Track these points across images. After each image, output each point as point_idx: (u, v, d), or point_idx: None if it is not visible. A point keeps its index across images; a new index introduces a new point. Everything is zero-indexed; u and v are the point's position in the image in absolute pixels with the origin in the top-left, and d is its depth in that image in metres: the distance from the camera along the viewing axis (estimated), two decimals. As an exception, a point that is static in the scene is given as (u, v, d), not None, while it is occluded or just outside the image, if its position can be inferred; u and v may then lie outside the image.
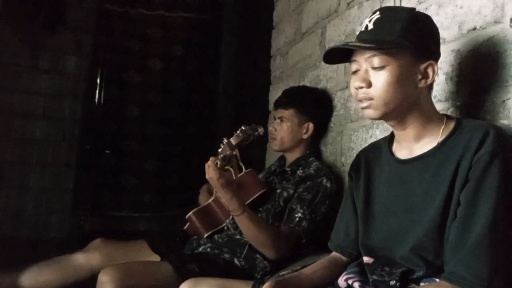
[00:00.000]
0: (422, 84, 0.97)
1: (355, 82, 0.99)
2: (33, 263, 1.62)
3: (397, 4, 1.46)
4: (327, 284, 1.10)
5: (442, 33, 1.26)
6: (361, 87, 0.98)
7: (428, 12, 1.31)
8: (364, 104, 0.99)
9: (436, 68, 0.98)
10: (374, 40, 0.96)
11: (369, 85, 0.97)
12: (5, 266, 1.61)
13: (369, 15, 1.01)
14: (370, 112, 0.99)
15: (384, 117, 1.00)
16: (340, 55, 1.03)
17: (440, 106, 1.25)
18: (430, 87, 1.01)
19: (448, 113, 1.20)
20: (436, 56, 1.01)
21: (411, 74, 0.96)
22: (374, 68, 0.96)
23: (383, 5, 1.54)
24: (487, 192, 0.84)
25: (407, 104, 0.98)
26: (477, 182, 0.86)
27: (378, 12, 1.00)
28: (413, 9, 1.02)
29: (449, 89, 1.24)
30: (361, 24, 1.13)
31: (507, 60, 1.07)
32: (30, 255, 1.68)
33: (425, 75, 0.97)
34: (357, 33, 1.04)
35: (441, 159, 0.94)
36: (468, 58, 1.18)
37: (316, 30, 2.01)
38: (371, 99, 0.97)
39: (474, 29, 1.16)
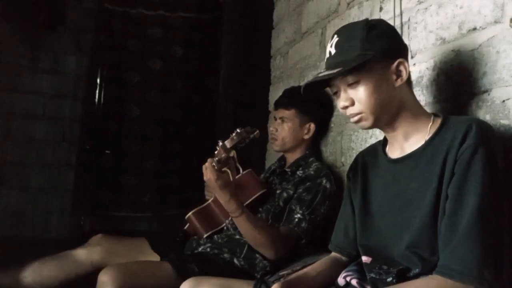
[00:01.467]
0: (398, 82, 1.01)
1: (340, 103, 1.04)
2: (34, 261, 1.63)
3: (397, 5, 1.46)
4: (329, 284, 1.11)
5: (442, 33, 1.27)
6: (346, 107, 1.03)
7: (428, 12, 1.32)
8: (355, 118, 1.03)
9: (406, 64, 1.02)
10: (339, 63, 1.00)
11: (352, 102, 1.02)
12: (6, 266, 1.61)
13: (329, 41, 1.06)
14: (363, 124, 1.04)
15: (376, 124, 1.04)
16: (317, 84, 1.07)
17: (440, 106, 1.26)
18: (408, 84, 1.05)
19: (448, 113, 1.19)
20: (403, 53, 1.05)
21: (386, 77, 1.01)
22: (350, 85, 1.01)
23: (382, 5, 1.54)
24: (472, 184, 0.86)
25: (393, 105, 1.02)
26: (462, 175, 0.88)
27: (336, 36, 1.05)
28: (367, 20, 1.06)
29: (449, 89, 1.24)
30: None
31: (507, 60, 1.07)
32: (30, 255, 1.68)
33: (399, 74, 1.01)
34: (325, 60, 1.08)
35: (430, 156, 0.97)
36: (468, 58, 1.18)
37: (316, 30, 2.01)
38: (359, 113, 1.02)
39: (474, 29, 1.16)
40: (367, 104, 0.99)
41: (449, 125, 0.97)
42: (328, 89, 1.10)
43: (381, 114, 1.01)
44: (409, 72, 1.03)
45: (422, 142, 1.00)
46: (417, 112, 1.04)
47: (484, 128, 0.91)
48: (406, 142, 1.04)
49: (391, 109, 1.01)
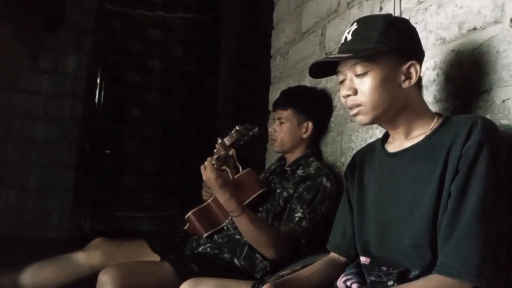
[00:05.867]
0: (406, 84, 1.00)
1: (342, 91, 1.03)
2: (33, 262, 1.62)
3: (397, 5, 1.46)
4: (326, 285, 1.10)
5: (442, 33, 1.27)
6: (349, 95, 1.02)
7: (428, 12, 1.32)
8: (354, 111, 1.02)
9: (418, 68, 1.00)
10: (353, 50, 0.99)
11: (355, 92, 1.01)
12: (5, 266, 1.61)
13: (348, 27, 1.05)
14: (361, 118, 1.02)
15: (375, 121, 1.03)
16: (325, 68, 1.06)
17: (440, 106, 1.26)
18: (418, 86, 1.04)
19: (448, 113, 1.20)
20: (417, 56, 1.03)
21: (394, 76, 0.99)
22: (357, 76, 1.00)
23: (382, 5, 1.54)
24: (476, 183, 0.85)
25: (395, 105, 1.00)
26: (467, 172, 0.87)
27: (355, 23, 1.03)
28: (389, 15, 1.05)
29: (449, 89, 1.24)
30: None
31: (507, 60, 1.07)
32: (30, 255, 1.67)
33: (408, 76, 1.00)
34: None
35: (429, 151, 0.96)
36: (468, 58, 1.18)
37: (316, 30, 2.01)
38: (359, 105, 1.01)
39: (474, 29, 1.16)
40: (370, 97, 0.98)
41: (451, 122, 0.96)
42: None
43: (381, 111, 1.00)
44: (420, 77, 1.01)
45: (422, 138, 0.99)
46: (420, 112, 1.02)
47: (489, 125, 0.90)
48: (406, 139, 1.03)
49: (392, 108, 1.00)
